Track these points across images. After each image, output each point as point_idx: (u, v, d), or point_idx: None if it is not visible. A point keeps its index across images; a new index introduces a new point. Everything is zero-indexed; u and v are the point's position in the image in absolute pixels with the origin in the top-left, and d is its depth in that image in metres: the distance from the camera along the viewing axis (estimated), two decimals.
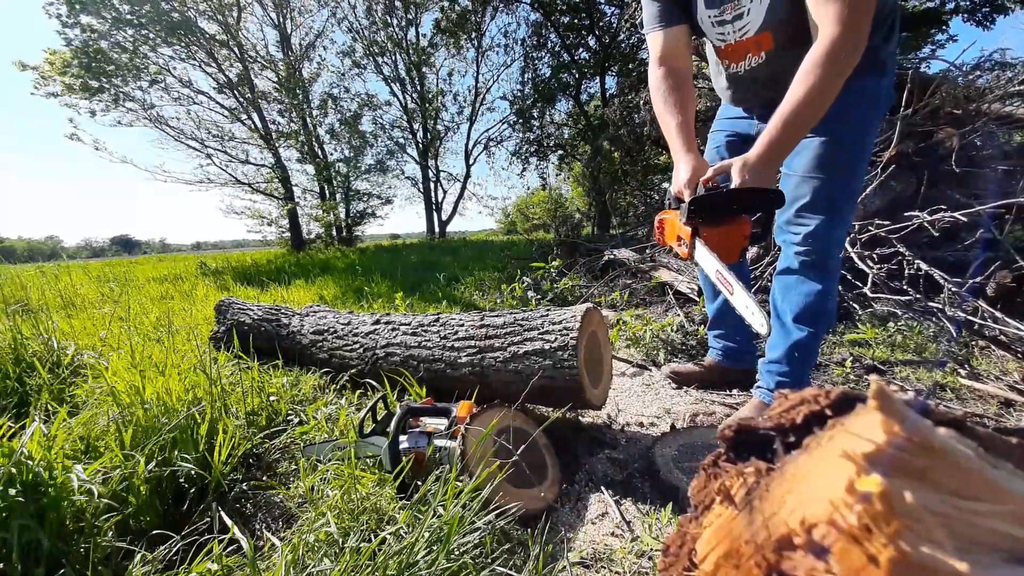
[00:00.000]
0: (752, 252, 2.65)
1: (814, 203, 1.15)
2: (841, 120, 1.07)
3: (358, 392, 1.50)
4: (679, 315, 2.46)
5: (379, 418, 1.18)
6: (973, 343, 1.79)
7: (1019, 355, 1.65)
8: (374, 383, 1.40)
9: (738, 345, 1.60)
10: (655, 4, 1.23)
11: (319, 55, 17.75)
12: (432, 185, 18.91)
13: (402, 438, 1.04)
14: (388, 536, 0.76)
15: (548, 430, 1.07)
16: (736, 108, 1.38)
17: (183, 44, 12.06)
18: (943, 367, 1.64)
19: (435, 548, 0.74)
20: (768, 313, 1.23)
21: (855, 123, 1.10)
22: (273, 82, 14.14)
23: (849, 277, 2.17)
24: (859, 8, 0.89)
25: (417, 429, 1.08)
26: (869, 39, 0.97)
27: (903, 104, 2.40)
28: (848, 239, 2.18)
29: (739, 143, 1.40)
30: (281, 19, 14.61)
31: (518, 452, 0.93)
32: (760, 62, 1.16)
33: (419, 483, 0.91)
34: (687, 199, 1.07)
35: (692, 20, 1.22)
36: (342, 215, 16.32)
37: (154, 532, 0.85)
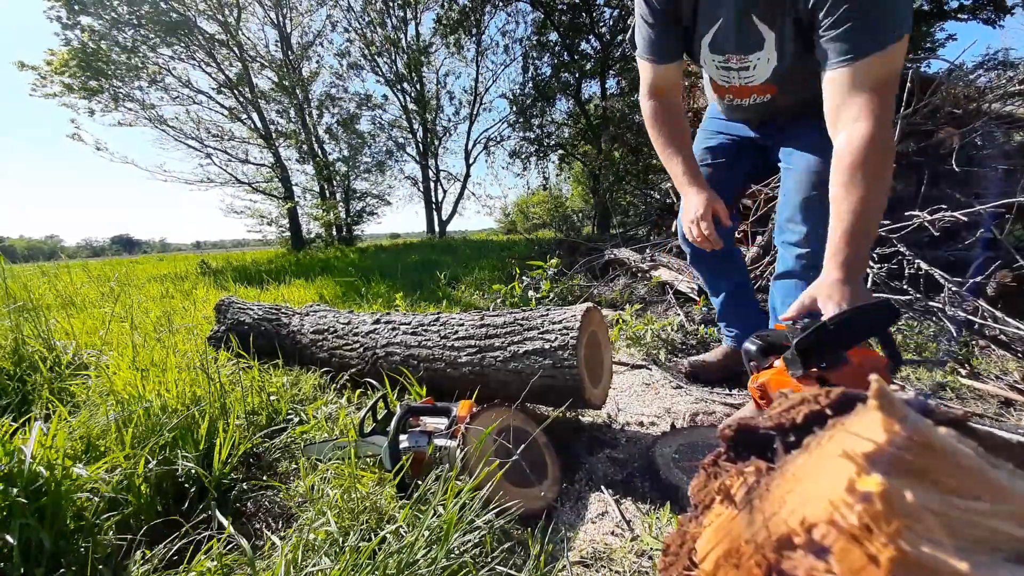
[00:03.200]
0: (752, 252, 2.65)
1: (816, 201, 1.10)
2: None
3: (358, 391, 1.50)
4: (679, 314, 2.46)
5: (379, 417, 1.19)
6: (973, 343, 1.79)
7: (1019, 355, 1.65)
8: (374, 383, 1.40)
9: (748, 330, 1.57)
10: (649, 31, 1.13)
11: (318, 55, 17.73)
12: (432, 184, 18.91)
13: (402, 437, 1.04)
14: (388, 535, 0.76)
15: (548, 429, 1.07)
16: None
17: (183, 44, 12.05)
18: (943, 367, 1.64)
19: (435, 547, 0.74)
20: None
21: None
22: (273, 82, 14.13)
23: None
24: (888, 102, 0.82)
25: (417, 429, 1.08)
26: None
27: (903, 104, 2.39)
28: None
29: (735, 147, 1.40)
30: (281, 18, 14.61)
31: (518, 452, 0.94)
32: (765, 100, 1.16)
33: (419, 482, 0.91)
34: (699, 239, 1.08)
35: (690, 50, 1.16)
36: (342, 214, 16.32)
37: (154, 532, 0.85)
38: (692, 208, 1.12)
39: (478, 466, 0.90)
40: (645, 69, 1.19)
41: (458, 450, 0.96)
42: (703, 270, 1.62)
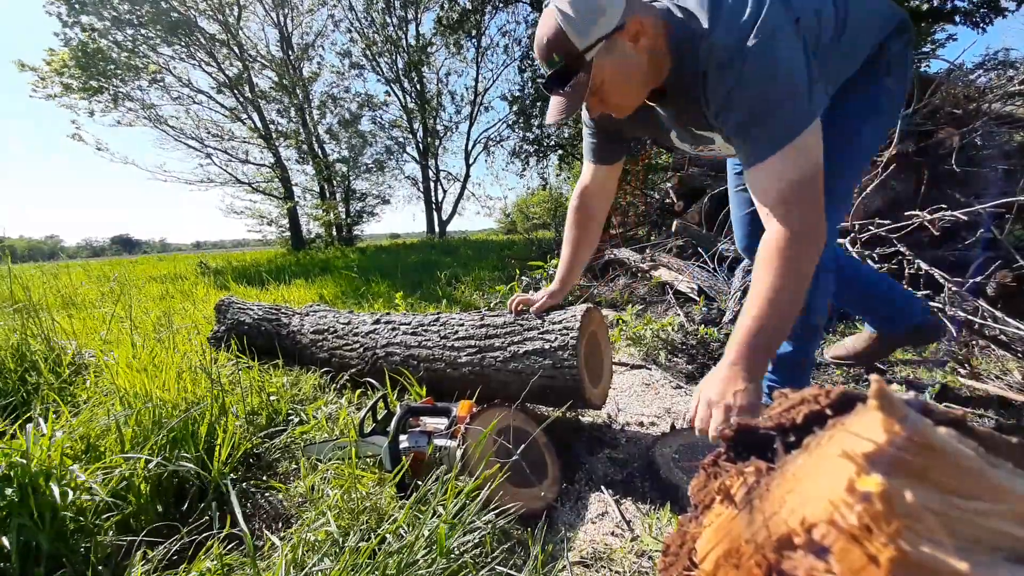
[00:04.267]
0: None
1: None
2: (832, 124, 1.01)
3: (358, 391, 1.50)
4: (679, 314, 2.46)
5: (379, 417, 1.19)
6: (973, 343, 1.79)
7: (1019, 355, 1.65)
8: (374, 383, 1.40)
9: (889, 313, 1.42)
10: (593, 140, 1.21)
11: (319, 55, 17.74)
12: (432, 185, 18.93)
13: (402, 437, 1.04)
14: (388, 535, 0.76)
15: (548, 429, 1.07)
16: None
17: (183, 43, 12.06)
18: (943, 367, 1.64)
19: (434, 547, 0.74)
20: None
21: (847, 127, 1.01)
22: (273, 81, 14.14)
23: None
24: (800, 195, 0.81)
25: (417, 429, 1.08)
26: (870, 46, 0.96)
27: (903, 104, 2.39)
28: (848, 239, 2.18)
29: None
30: (281, 18, 14.61)
31: (517, 452, 0.94)
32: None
33: (419, 483, 0.91)
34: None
35: (664, 145, 1.23)
36: (342, 214, 16.32)
37: (154, 532, 0.85)
38: (535, 295, 1.34)
39: (478, 467, 0.90)
40: (587, 169, 1.28)
41: (458, 450, 0.96)
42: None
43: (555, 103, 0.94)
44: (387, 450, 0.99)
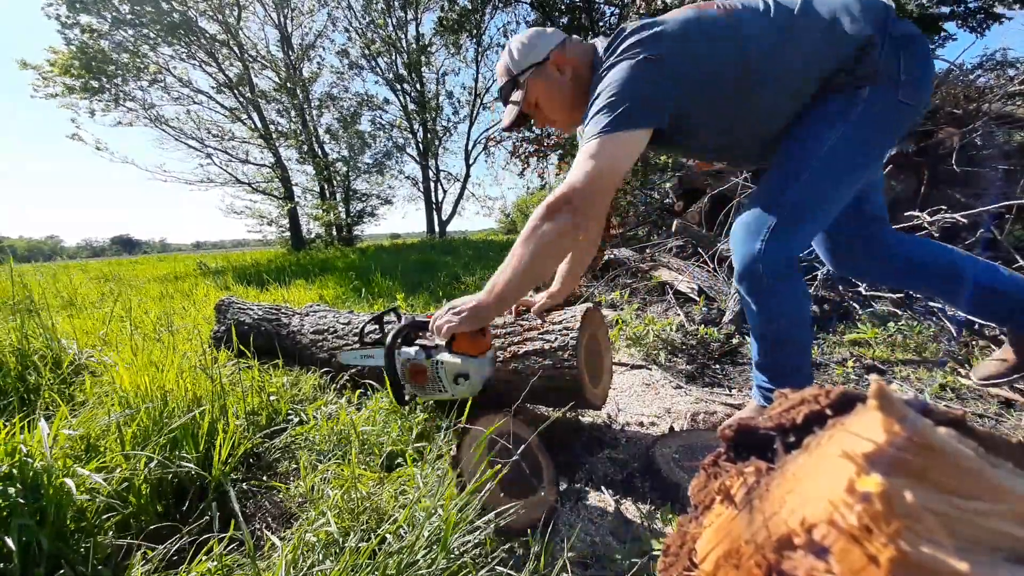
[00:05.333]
0: None
1: (748, 215, 1.08)
2: (791, 134, 1.06)
3: (358, 392, 1.50)
4: (679, 315, 2.46)
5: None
6: (973, 343, 1.79)
7: (1019, 355, 1.65)
8: (374, 383, 1.40)
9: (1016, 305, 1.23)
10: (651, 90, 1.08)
11: (319, 55, 17.75)
12: (432, 185, 18.94)
13: (405, 350, 1.10)
14: (388, 535, 0.76)
15: (548, 430, 1.07)
16: None
17: (183, 44, 12.07)
18: (943, 367, 1.64)
19: (435, 547, 0.74)
20: None
21: (806, 133, 1.03)
22: (273, 82, 14.15)
23: (849, 277, 2.17)
24: (587, 172, 0.97)
25: (419, 343, 1.11)
26: (819, 70, 0.99)
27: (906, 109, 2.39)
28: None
29: None
30: (281, 19, 14.62)
31: (515, 455, 0.93)
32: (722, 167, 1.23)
33: (418, 395, 1.05)
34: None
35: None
36: (342, 215, 16.33)
37: (154, 532, 0.85)
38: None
39: (473, 476, 0.89)
40: (634, 141, 1.03)
41: (457, 363, 1.03)
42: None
43: (506, 112, 1.24)
44: (385, 356, 1.07)
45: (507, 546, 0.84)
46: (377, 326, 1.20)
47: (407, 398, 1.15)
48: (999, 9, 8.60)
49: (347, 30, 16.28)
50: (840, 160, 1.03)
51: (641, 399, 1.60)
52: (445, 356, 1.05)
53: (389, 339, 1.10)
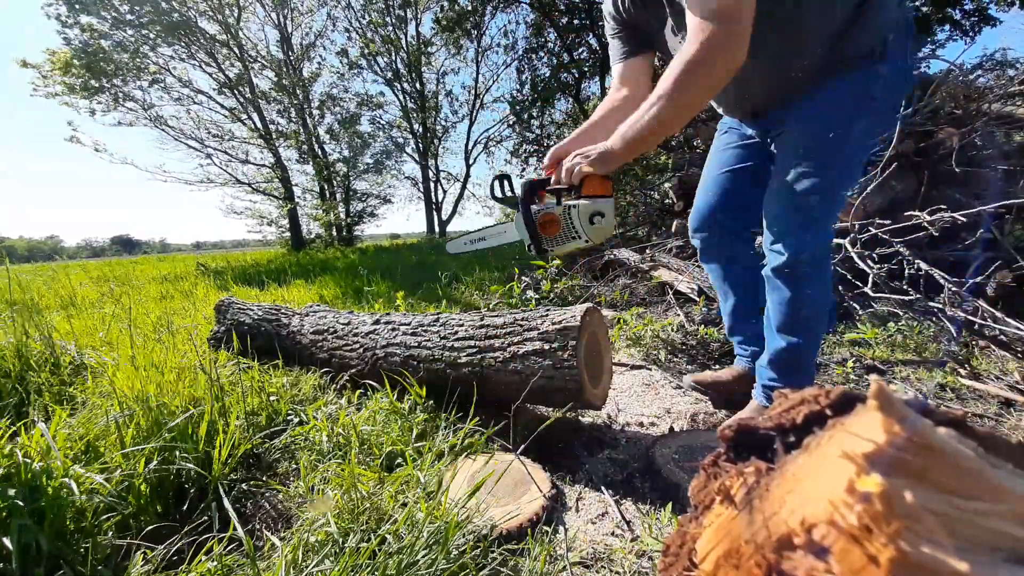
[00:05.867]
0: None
1: (787, 205, 1.11)
2: (818, 118, 1.05)
3: (358, 392, 1.50)
4: (679, 315, 2.46)
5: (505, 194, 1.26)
6: (973, 343, 1.79)
7: (1019, 355, 1.65)
8: (374, 383, 1.40)
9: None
10: (615, 41, 1.31)
11: (319, 55, 17.74)
12: (432, 185, 18.93)
13: (532, 207, 1.16)
14: (388, 536, 0.76)
15: (548, 430, 1.07)
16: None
17: (183, 44, 12.07)
18: (943, 367, 1.64)
19: (435, 547, 0.74)
20: None
21: (834, 121, 1.04)
22: (273, 82, 14.14)
23: (849, 277, 2.17)
24: (722, 24, 0.89)
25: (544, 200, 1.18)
26: (858, 29, 0.97)
27: (903, 104, 2.39)
28: (848, 239, 2.18)
29: (738, 140, 1.37)
30: (281, 19, 14.61)
31: (517, 452, 0.94)
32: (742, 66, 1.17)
33: (552, 249, 1.13)
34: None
35: (661, 48, 1.26)
36: (342, 215, 16.33)
37: (154, 532, 0.85)
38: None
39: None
40: (615, 72, 1.34)
41: (588, 205, 1.08)
42: (715, 259, 1.50)
43: None
44: (519, 217, 1.14)
45: (507, 546, 0.84)
46: (504, 182, 1.26)
47: (544, 250, 1.19)
48: (993, 11, 8.63)
49: (347, 30, 16.29)
50: (863, 147, 1.09)
51: (641, 399, 1.60)
52: (577, 200, 1.10)
53: (522, 192, 1.15)
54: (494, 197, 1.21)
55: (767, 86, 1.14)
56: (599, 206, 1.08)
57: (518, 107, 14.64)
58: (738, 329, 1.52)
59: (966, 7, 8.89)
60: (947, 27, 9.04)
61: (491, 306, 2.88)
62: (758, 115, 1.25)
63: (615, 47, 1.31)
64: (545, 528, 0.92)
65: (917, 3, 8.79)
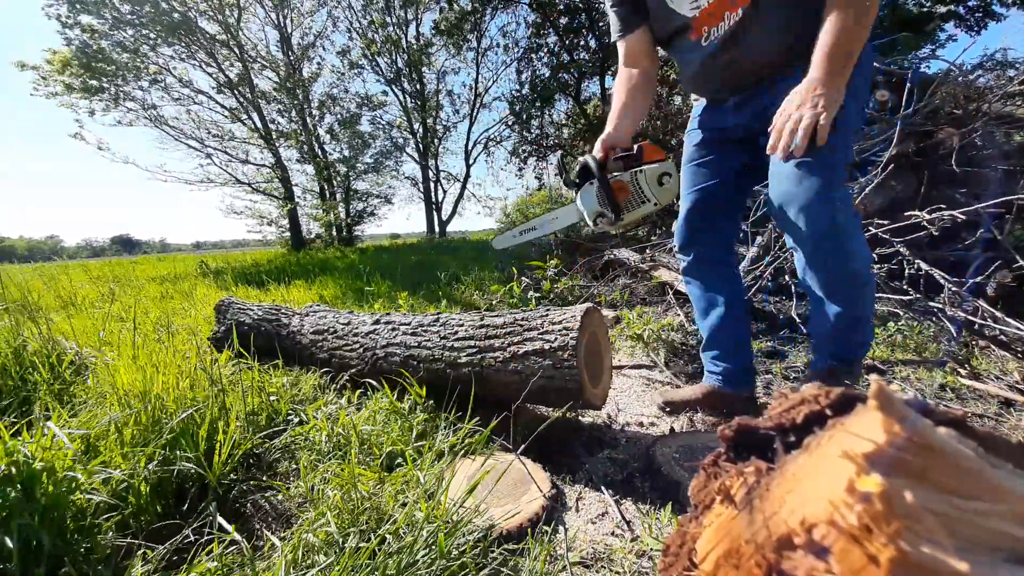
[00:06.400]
0: (752, 252, 2.65)
1: (800, 177, 1.08)
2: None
3: (358, 392, 1.50)
4: (679, 315, 2.46)
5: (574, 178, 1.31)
6: (973, 343, 1.79)
7: (1019, 355, 1.65)
8: (374, 383, 1.40)
9: (738, 366, 1.42)
10: (614, 14, 1.35)
11: (319, 55, 17.75)
12: (432, 185, 18.93)
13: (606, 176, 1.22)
14: (387, 535, 0.76)
15: (548, 430, 1.07)
16: (709, 103, 1.36)
17: (183, 44, 12.06)
18: (943, 367, 1.64)
19: (434, 547, 0.74)
20: None
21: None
22: (273, 82, 14.14)
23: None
24: None
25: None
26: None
27: (903, 104, 2.39)
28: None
29: (717, 139, 1.36)
30: (281, 19, 14.61)
31: (518, 452, 0.94)
32: (737, 19, 1.14)
33: (624, 215, 1.21)
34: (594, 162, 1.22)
35: (656, 18, 1.28)
36: (342, 215, 16.33)
37: (154, 532, 0.85)
38: (600, 139, 1.28)
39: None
40: (620, 49, 1.38)
41: (655, 170, 1.18)
42: (696, 281, 1.47)
43: None
44: (598, 188, 1.20)
45: (507, 546, 0.84)
46: (574, 166, 1.32)
47: (621, 216, 1.25)
48: (996, 7, 8.61)
49: (348, 31, 16.31)
50: (853, 127, 1.13)
51: (641, 399, 1.60)
52: (643, 166, 1.19)
53: (595, 165, 1.21)
54: (569, 183, 1.29)
55: (768, 50, 1.15)
56: (666, 167, 1.17)
57: (517, 107, 14.63)
58: (715, 342, 1.45)
59: (970, 3, 8.87)
60: (952, 22, 9.03)
61: (491, 306, 2.88)
62: (740, 92, 1.25)
63: (615, 22, 1.36)
64: (545, 528, 0.92)
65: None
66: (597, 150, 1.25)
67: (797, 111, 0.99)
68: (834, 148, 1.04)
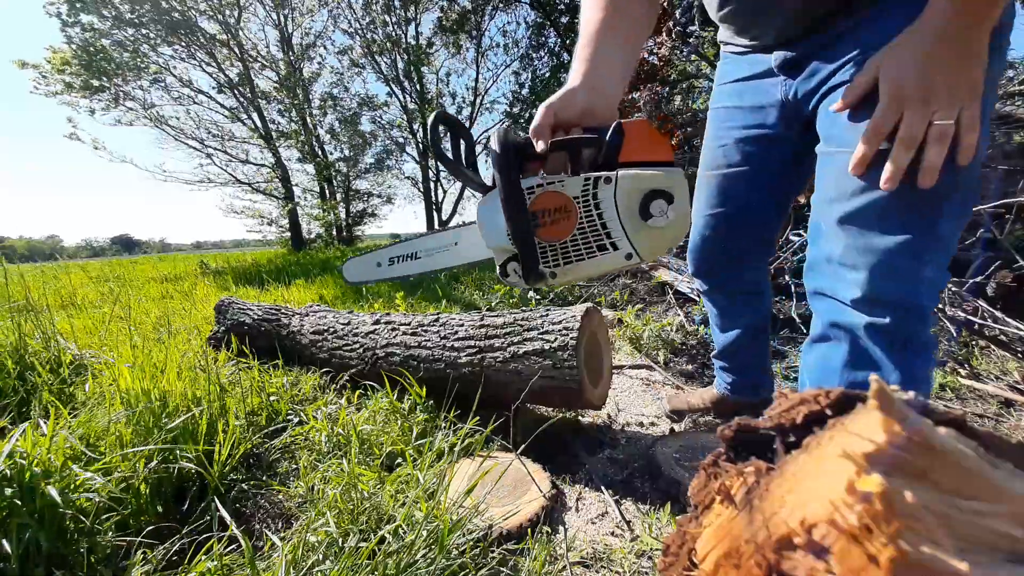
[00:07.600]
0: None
1: (887, 210, 0.64)
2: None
3: (358, 392, 1.50)
4: (679, 315, 2.46)
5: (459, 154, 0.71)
6: (973, 343, 1.79)
7: (1019, 355, 1.65)
8: (374, 383, 1.40)
9: (749, 378, 1.30)
10: None
11: (319, 55, 17.75)
12: (432, 185, 18.92)
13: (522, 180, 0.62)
14: (387, 535, 0.76)
15: (547, 430, 1.07)
16: (746, 54, 0.89)
17: (183, 43, 12.07)
18: (943, 367, 1.64)
19: (434, 547, 0.74)
20: None
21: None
22: (273, 82, 14.15)
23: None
24: None
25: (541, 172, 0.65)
26: None
27: None
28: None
29: (762, 138, 0.91)
30: (281, 19, 14.61)
31: (518, 452, 0.94)
32: None
33: (561, 257, 0.60)
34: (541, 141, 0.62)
35: None
36: (342, 215, 16.33)
37: (154, 532, 0.85)
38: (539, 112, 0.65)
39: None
40: None
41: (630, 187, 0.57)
42: (717, 305, 1.28)
43: None
44: (488, 204, 0.61)
45: (507, 546, 0.84)
46: (447, 130, 0.68)
47: (542, 273, 0.64)
48: None
49: (348, 31, 16.31)
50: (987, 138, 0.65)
51: (641, 399, 1.60)
52: (618, 170, 0.60)
53: (499, 150, 0.60)
54: (438, 156, 0.66)
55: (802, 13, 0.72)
56: (664, 181, 0.58)
57: (516, 107, 14.64)
58: (728, 356, 1.29)
59: None
60: None
61: (491, 306, 2.88)
62: (798, 40, 0.77)
63: None
64: (545, 528, 0.92)
65: None
66: (536, 126, 0.64)
67: (917, 92, 0.54)
68: (961, 182, 0.62)
